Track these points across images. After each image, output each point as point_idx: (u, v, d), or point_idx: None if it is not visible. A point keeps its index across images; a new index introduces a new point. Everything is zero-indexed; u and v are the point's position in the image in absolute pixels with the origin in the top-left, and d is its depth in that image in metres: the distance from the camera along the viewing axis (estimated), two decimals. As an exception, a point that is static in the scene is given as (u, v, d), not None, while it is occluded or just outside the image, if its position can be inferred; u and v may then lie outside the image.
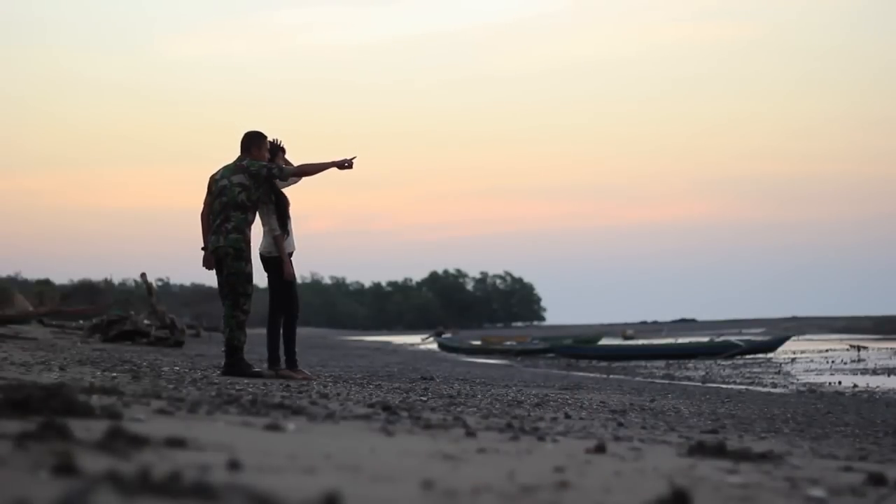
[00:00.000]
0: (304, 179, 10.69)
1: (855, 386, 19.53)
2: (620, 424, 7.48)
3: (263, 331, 10.70)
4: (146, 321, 21.24)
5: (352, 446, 4.29)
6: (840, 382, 20.75)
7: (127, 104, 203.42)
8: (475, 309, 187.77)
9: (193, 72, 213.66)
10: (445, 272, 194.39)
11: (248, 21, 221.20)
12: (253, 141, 10.62)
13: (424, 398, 8.77)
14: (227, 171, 10.53)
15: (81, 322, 26.06)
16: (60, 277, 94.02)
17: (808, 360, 33.09)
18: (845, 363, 30.18)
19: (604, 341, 51.27)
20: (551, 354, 39.76)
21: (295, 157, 10.83)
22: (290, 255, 10.56)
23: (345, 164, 10.24)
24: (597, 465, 4.29)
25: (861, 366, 28.45)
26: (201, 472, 3.10)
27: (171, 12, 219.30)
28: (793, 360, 33.11)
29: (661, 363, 32.43)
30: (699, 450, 5.12)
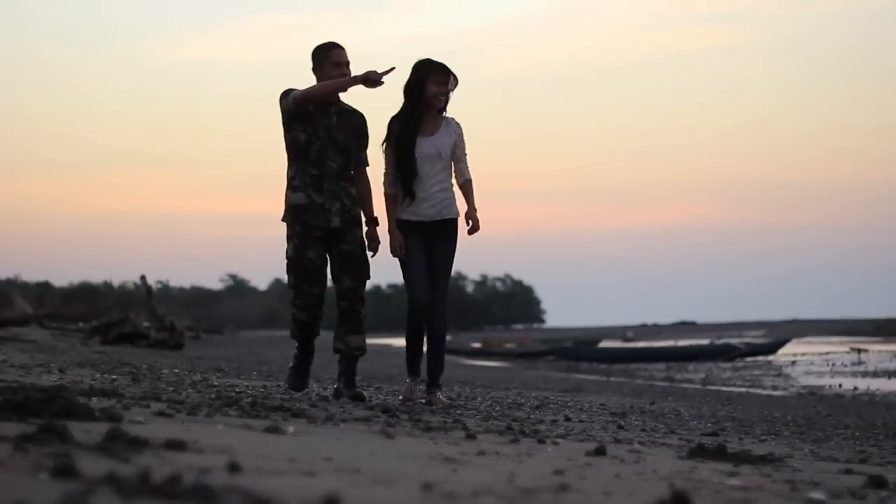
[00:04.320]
0: None
1: (855, 388, 19.53)
2: (620, 427, 7.48)
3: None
4: (146, 323, 21.25)
5: (352, 449, 4.29)
6: (840, 385, 20.76)
7: (126, 107, 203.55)
8: (475, 311, 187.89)
9: (193, 74, 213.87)
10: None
11: (247, 23, 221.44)
12: (313, 60, 7.80)
13: (423, 400, 8.76)
14: None
15: (81, 324, 26.07)
16: (60, 280, 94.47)
17: (808, 362, 33.11)
18: (846, 366, 30.19)
19: (604, 343, 51.33)
20: (551, 357, 39.79)
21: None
22: None
23: (372, 80, 7.46)
24: (597, 467, 4.28)
25: (861, 368, 28.46)
26: (201, 474, 3.09)
27: (171, 15, 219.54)
28: (793, 362, 33.12)
29: (662, 365, 32.44)
30: (699, 452, 5.12)
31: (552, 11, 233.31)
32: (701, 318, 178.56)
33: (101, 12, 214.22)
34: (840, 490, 4.19)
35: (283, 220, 7.75)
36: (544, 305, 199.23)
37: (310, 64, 7.75)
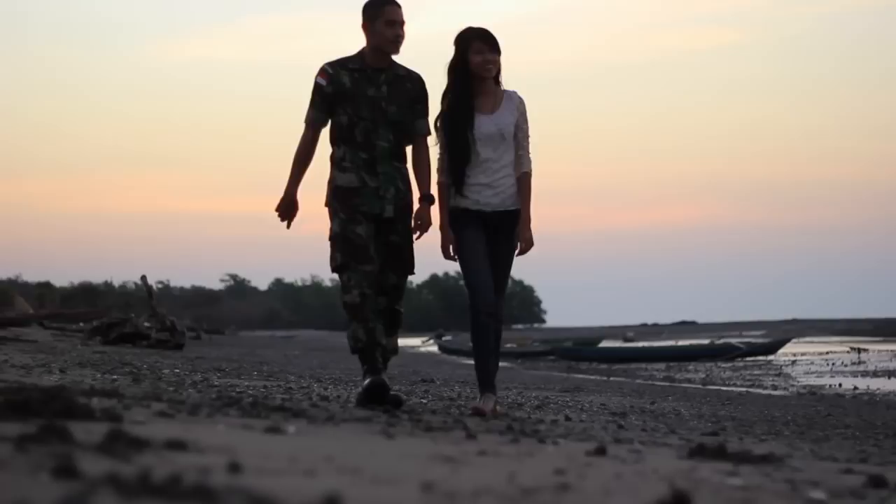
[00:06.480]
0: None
1: (855, 388, 19.53)
2: (621, 427, 7.48)
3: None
4: (146, 324, 21.24)
5: (352, 449, 4.30)
6: (840, 385, 20.76)
7: (126, 107, 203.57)
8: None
9: (194, 74, 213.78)
10: (446, 274, 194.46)
11: (248, 24, 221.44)
12: (364, 15, 7.09)
13: (425, 400, 8.78)
14: None
15: (82, 325, 26.07)
16: (61, 280, 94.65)
17: (808, 362, 33.10)
18: (846, 365, 30.19)
19: (604, 343, 51.34)
20: (552, 357, 39.78)
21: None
22: None
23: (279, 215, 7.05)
24: (597, 467, 4.29)
25: (861, 368, 28.46)
26: (202, 474, 3.10)
27: (171, 15, 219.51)
28: (793, 362, 33.12)
29: (662, 365, 32.43)
30: (700, 452, 5.12)
31: (552, 12, 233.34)
32: (701, 317, 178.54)
33: (101, 12, 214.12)
34: (840, 489, 4.19)
35: (326, 205, 6.94)
36: (545, 305, 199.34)
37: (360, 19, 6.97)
